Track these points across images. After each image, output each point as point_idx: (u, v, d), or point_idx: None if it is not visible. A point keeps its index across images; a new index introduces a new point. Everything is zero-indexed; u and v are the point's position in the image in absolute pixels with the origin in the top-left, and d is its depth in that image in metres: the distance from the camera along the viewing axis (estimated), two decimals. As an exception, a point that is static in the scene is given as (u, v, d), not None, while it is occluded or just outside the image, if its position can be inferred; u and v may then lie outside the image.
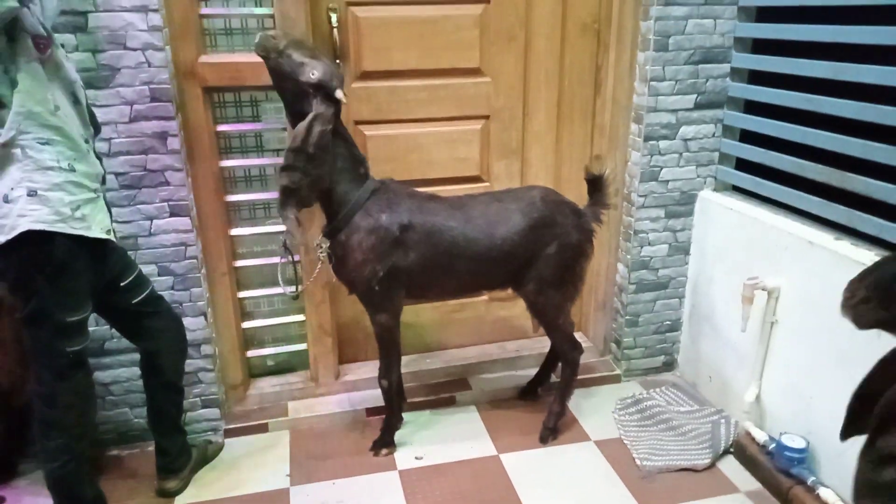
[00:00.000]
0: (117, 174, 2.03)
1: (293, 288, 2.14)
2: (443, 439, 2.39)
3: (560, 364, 2.41)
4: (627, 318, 2.66)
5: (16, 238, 1.56)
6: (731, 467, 2.25)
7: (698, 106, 2.41)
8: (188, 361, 2.18)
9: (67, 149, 1.61)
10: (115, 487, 2.13)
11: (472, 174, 2.59)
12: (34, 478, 2.14)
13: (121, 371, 2.22)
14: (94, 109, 1.90)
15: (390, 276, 2.05)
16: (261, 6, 2.19)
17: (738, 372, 2.37)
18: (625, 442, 2.36)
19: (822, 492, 1.95)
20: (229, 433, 2.41)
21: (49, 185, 1.58)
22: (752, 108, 2.36)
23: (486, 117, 2.53)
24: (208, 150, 2.23)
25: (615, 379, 2.75)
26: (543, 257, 2.13)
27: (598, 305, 2.83)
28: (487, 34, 2.42)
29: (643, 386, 2.70)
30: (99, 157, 1.77)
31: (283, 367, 2.66)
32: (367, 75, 2.36)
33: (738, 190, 2.48)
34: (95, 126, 1.79)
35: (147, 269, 2.11)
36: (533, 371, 2.64)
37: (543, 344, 2.52)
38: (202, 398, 2.33)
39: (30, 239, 1.58)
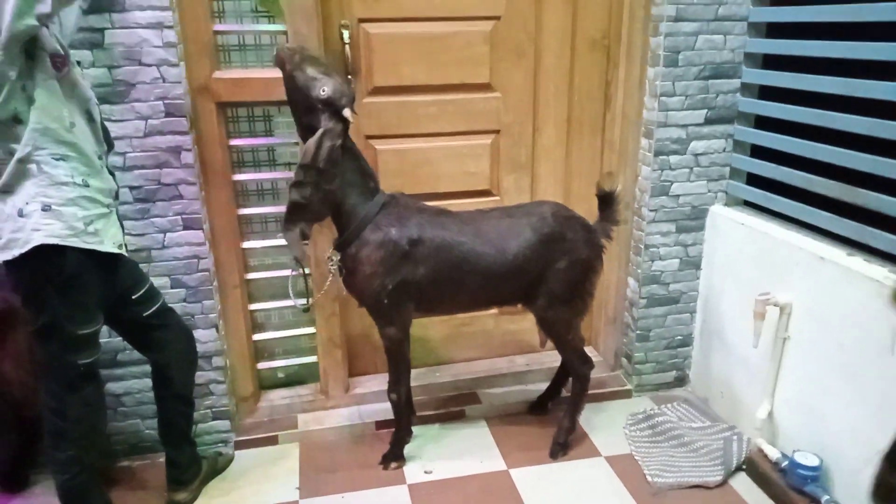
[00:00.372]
0: (132, 188, 2.05)
1: (304, 300, 2.14)
2: (452, 453, 2.37)
3: (570, 379, 2.39)
4: (638, 332, 2.64)
5: (29, 252, 1.58)
6: (743, 484, 2.21)
7: (708, 121, 2.40)
8: (199, 373, 2.19)
9: (81, 165, 1.64)
10: (126, 499, 2.14)
11: (481, 188, 2.59)
12: (46, 488, 2.15)
13: (133, 382, 2.23)
14: (110, 124, 1.93)
15: (399, 289, 2.04)
16: (274, 23, 2.22)
17: (750, 388, 2.34)
18: (636, 458, 2.34)
19: (836, 511, 1.92)
20: (240, 445, 2.41)
21: (63, 200, 1.60)
22: (762, 123, 2.35)
23: (496, 132, 2.54)
24: (221, 165, 2.25)
25: (626, 394, 2.72)
26: (553, 272, 2.12)
27: (609, 320, 2.81)
28: (497, 50, 2.43)
29: (654, 401, 2.68)
30: (112, 172, 1.79)
31: (293, 379, 2.66)
32: (377, 91, 2.38)
33: (749, 205, 2.46)
34: (109, 143, 1.82)
35: (160, 282, 2.13)
36: (543, 385, 2.62)
37: (553, 358, 2.51)
38: (213, 410, 2.34)
39: (42, 252, 1.59)
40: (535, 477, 2.26)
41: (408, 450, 2.35)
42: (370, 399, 2.60)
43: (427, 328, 2.72)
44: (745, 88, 2.38)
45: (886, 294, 1.77)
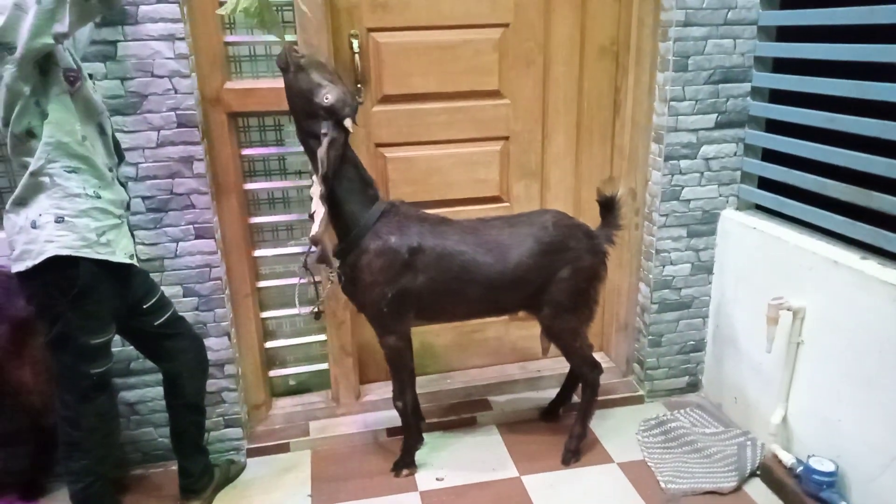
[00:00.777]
0: (144, 198, 2.06)
1: (309, 308, 2.14)
2: (464, 460, 2.36)
3: (581, 385, 2.38)
4: (650, 338, 2.63)
5: (42, 263, 1.59)
6: (757, 491, 2.19)
7: (719, 125, 2.39)
8: (211, 381, 2.20)
9: (93, 177, 1.65)
10: (140, 507, 2.15)
11: (491, 195, 2.59)
12: (62, 496, 2.15)
13: (146, 391, 2.24)
14: (122, 135, 1.95)
15: (399, 298, 2.04)
16: (284, 33, 2.23)
17: (764, 393, 2.32)
18: (649, 464, 2.32)
19: (853, 518, 1.89)
20: (251, 453, 2.41)
21: (76, 212, 1.62)
22: (773, 126, 2.34)
23: (506, 139, 2.54)
24: (233, 174, 2.26)
25: (638, 400, 2.70)
26: (557, 282, 2.11)
27: (621, 326, 2.79)
28: (506, 58, 2.43)
29: (667, 407, 2.66)
30: (123, 184, 1.80)
31: (304, 387, 2.67)
32: (387, 99, 2.39)
33: (760, 209, 2.44)
34: (120, 155, 1.83)
35: (172, 291, 2.14)
36: (554, 391, 2.61)
37: (564, 364, 2.49)
38: (225, 418, 2.34)
39: (55, 264, 1.61)
40: (547, 484, 2.24)
41: (419, 457, 2.34)
42: (381, 406, 2.60)
43: (438, 335, 2.72)
44: (756, 92, 2.36)
45: None
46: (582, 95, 2.55)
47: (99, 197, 1.66)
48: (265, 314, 2.50)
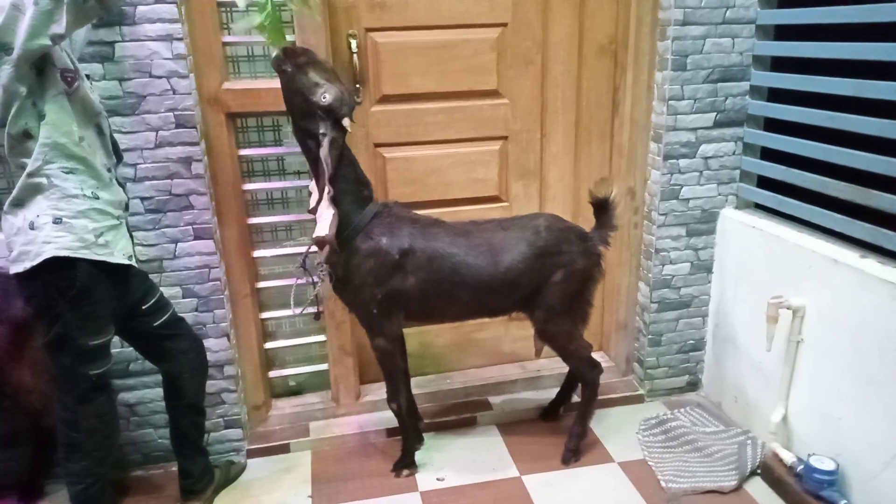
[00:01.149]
0: (143, 199, 2.06)
1: (306, 309, 2.13)
2: (464, 460, 2.36)
3: (580, 384, 2.38)
4: (650, 337, 2.62)
5: (40, 264, 1.59)
6: (758, 489, 2.19)
7: (718, 124, 2.39)
8: (211, 382, 2.20)
9: (90, 177, 1.65)
10: (139, 508, 2.14)
11: (490, 195, 2.59)
12: (61, 498, 2.15)
13: (145, 392, 2.24)
14: (121, 136, 1.95)
15: (389, 299, 2.03)
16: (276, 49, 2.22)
17: (764, 392, 2.32)
18: (649, 463, 2.32)
19: (854, 516, 1.89)
20: (252, 453, 2.41)
21: (74, 213, 1.61)
22: (772, 125, 2.34)
23: (504, 138, 2.53)
24: (231, 174, 2.26)
25: (638, 399, 2.70)
26: (550, 286, 2.10)
27: (620, 325, 2.79)
28: (504, 57, 2.43)
29: (667, 406, 2.66)
30: (122, 184, 1.79)
31: (304, 387, 2.66)
32: (386, 99, 2.38)
33: (760, 208, 2.44)
34: (118, 155, 1.83)
35: (171, 292, 2.13)
36: (554, 391, 2.60)
37: (564, 364, 2.48)
38: (225, 418, 2.34)
39: (53, 265, 1.60)
40: (547, 483, 2.24)
41: (419, 457, 2.34)
42: (381, 407, 2.58)
43: (437, 335, 2.72)
44: (754, 91, 2.36)
45: None
46: (581, 95, 2.54)
47: (97, 198, 1.65)
48: (265, 315, 2.50)
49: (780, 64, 2.29)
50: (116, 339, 1.85)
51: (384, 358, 2.16)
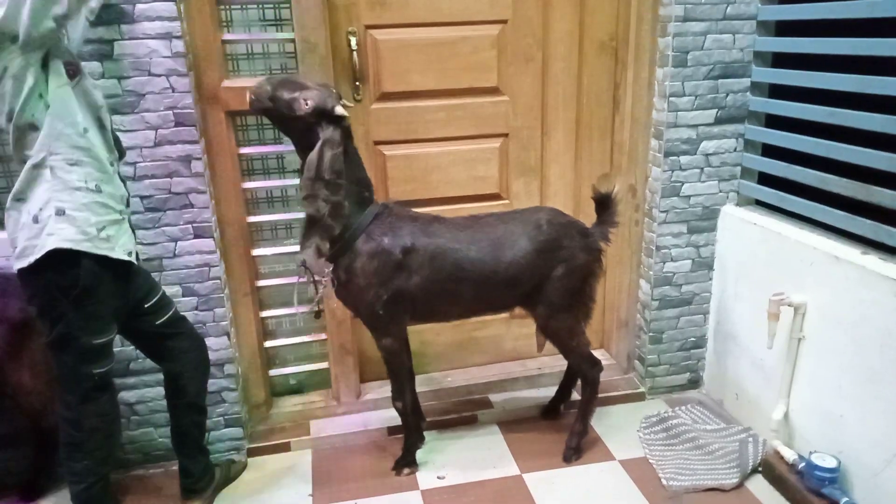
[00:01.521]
0: (142, 197, 2.06)
1: (306, 307, 2.13)
2: (465, 459, 2.36)
3: (581, 382, 2.38)
4: (651, 334, 2.62)
5: (43, 261, 1.59)
6: (759, 487, 2.19)
7: (719, 121, 2.39)
8: (211, 381, 2.20)
9: (95, 170, 1.64)
10: (140, 507, 2.15)
11: (491, 192, 2.59)
12: (62, 498, 2.16)
13: (146, 391, 2.24)
14: (120, 134, 1.95)
15: (394, 299, 2.03)
16: (282, 31, 2.23)
17: (766, 389, 2.32)
18: (650, 461, 2.32)
19: (856, 513, 1.89)
20: (252, 452, 2.41)
21: (77, 205, 1.61)
22: (773, 122, 2.33)
23: (505, 136, 2.53)
24: (231, 173, 2.26)
25: (639, 397, 2.70)
26: (551, 280, 2.10)
27: (621, 322, 2.79)
28: (505, 55, 2.43)
29: (668, 404, 2.66)
30: (123, 180, 1.79)
31: (305, 385, 2.66)
32: (386, 96, 2.38)
33: (761, 204, 2.44)
34: (120, 150, 1.83)
35: (171, 290, 2.13)
36: (555, 389, 2.60)
37: (564, 362, 2.48)
38: (225, 417, 2.34)
39: (55, 262, 1.60)
40: (548, 481, 2.24)
41: (420, 455, 2.34)
42: (382, 405, 2.59)
43: (438, 334, 2.72)
44: (756, 87, 2.36)
45: None
46: (581, 92, 2.54)
47: (100, 191, 1.65)
48: (265, 313, 2.50)
49: (782, 60, 2.29)
50: (117, 338, 1.85)
51: (391, 357, 2.16)
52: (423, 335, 2.66)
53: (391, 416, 2.50)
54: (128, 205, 1.80)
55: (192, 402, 2.04)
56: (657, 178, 2.44)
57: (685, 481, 2.19)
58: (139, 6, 1.90)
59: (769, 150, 2.36)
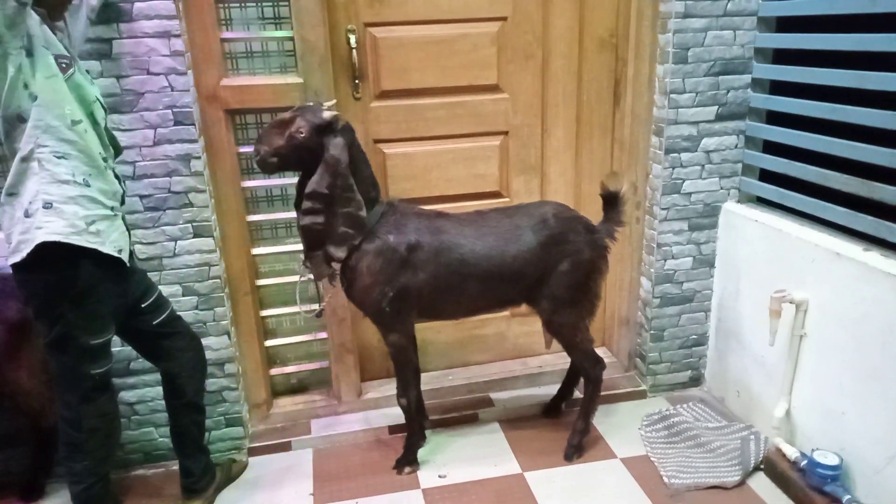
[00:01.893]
0: (142, 196, 2.06)
1: (312, 307, 2.14)
2: (466, 457, 2.36)
3: (582, 380, 2.38)
4: (652, 332, 2.62)
5: (38, 259, 1.58)
6: (761, 485, 2.19)
7: (720, 117, 2.38)
8: (212, 380, 2.20)
9: (83, 164, 1.63)
10: (141, 507, 2.15)
11: (491, 190, 2.59)
12: (62, 498, 2.16)
13: (146, 391, 2.24)
14: (119, 133, 1.96)
15: (401, 296, 2.03)
16: (280, 29, 2.22)
17: (767, 387, 2.32)
18: (652, 459, 2.32)
19: (858, 510, 1.89)
20: (253, 452, 2.42)
21: (64, 199, 1.60)
22: (774, 118, 2.33)
23: (505, 133, 2.53)
24: (230, 172, 2.26)
25: (641, 395, 2.70)
26: (556, 275, 2.11)
27: (622, 320, 2.79)
28: (505, 51, 2.43)
29: (670, 402, 2.66)
30: (119, 177, 1.78)
31: (305, 384, 2.67)
32: (385, 94, 2.38)
33: (762, 201, 2.44)
34: (116, 147, 1.82)
35: (171, 290, 2.14)
36: (556, 387, 2.60)
37: (566, 359, 2.49)
38: (226, 417, 2.35)
39: (53, 262, 1.60)
40: (550, 480, 2.24)
41: (421, 454, 2.34)
42: (383, 404, 2.60)
43: (439, 332, 2.72)
44: (756, 84, 2.36)
45: None
46: (581, 89, 2.54)
47: (88, 185, 1.64)
48: (265, 312, 2.50)
49: (782, 56, 2.28)
50: (117, 338, 1.85)
51: (398, 354, 2.16)
52: (424, 333, 2.66)
53: (392, 415, 2.50)
54: (122, 202, 1.79)
55: (190, 401, 2.04)
56: (658, 175, 2.44)
57: (687, 479, 2.19)
58: (138, 4, 1.90)
59: (770, 147, 2.36)
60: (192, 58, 2.08)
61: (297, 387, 2.66)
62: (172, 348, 1.97)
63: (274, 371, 2.59)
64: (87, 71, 1.78)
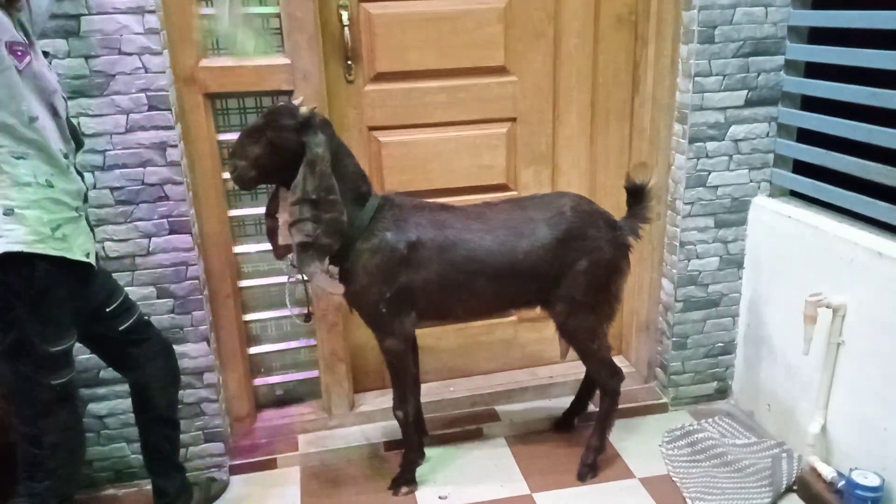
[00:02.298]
0: (112, 189, 2.05)
1: (303, 310, 2.13)
2: (469, 477, 2.36)
3: (598, 392, 2.37)
4: (674, 339, 2.62)
5: None
6: (794, 508, 2.19)
7: (749, 103, 2.37)
8: (190, 391, 2.19)
9: (43, 163, 1.62)
10: (111, 530, 2.15)
11: (497, 182, 2.58)
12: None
13: (117, 402, 2.23)
14: (87, 119, 1.94)
15: (398, 297, 2.03)
16: (265, 5, 2.21)
17: (801, 400, 2.31)
18: (674, 479, 2.31)
19: (902, 537, 1.88)
20: (234, 469, 2.41)
21: (26, 203, 1.59)
22: (809, 104, 2.33)
23: (513, 120, 2.53)
24: (210, 161, 2.25)
25: (662, 408, 2.70)
26: (573, 274, 2.09)
27: (641, 326, 2.79)
28: (513, 30, 2.42)
29: (693, 416, 2.65)
30: (80, 173, 1.77)
31: (292, 396, 2.66)
32: (381, 77, 2.37)
33: (796, 195, 2.44)
34: (77, 140, 1.80)
35: (145, 292, 2.13)
36: (568, 400, 2.60)
37: (579, 369, 2.48)
38: (205, 431, 2.34)
39: (8, 262, 1.58)
40: (561, 501, 2.24)
41: (420, 473, 2.34)
42: (377, 417, 2.59)
43: (440, 338, 2.71)
44: (790, 66, 2.35)
45: None
46: (597, 71, 2.53)
47: (51, 186, 1.63)
48: (248, 317, 2.50)
49: (819, 35, 2.27)
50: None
51: (395, 360, 2.15)
52: (424, 340, 2.65)
53: (387, 430, 2.50)
54: (85, 200, 1.78)
55: (162, 415, 2.03)
56: (681, 166, 2.43)
57: (712, 501, 2.19)
58: (108, -23, 1.89)
59: (805, 136, 2.35)
60: (167, 36, 2.07)
61: (284, 398, 2.66)
62: (141, 356, 1.96)
63: (258, 381, 2.59)
64: (46, 52, 1.76)
